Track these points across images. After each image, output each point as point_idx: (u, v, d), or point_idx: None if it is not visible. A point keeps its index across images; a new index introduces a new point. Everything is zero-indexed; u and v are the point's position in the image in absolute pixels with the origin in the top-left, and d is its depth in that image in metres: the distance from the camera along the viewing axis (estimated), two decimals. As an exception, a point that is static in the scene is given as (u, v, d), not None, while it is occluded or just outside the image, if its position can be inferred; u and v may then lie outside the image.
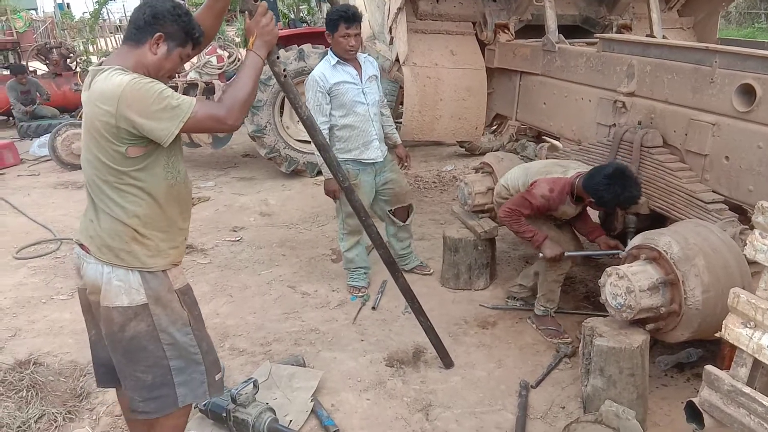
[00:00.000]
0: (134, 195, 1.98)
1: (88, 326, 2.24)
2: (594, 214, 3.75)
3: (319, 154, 3.58)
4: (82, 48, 11.99)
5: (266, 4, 2.16)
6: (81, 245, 2.09)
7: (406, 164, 4.20)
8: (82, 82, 8.48)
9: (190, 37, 2.02)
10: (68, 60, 9.03)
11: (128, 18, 2.18)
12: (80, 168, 7.46)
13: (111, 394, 3.01)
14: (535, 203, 3.16)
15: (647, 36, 4.22)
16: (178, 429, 2.27)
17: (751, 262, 2.17)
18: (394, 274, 3.04)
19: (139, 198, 1.99)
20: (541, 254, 3.18)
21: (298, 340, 3.49)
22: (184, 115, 1.88)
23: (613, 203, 2.98)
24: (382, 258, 3.02)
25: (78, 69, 9.16)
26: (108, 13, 17.92)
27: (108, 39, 14.91)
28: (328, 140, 2.76)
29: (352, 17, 3.49)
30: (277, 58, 2.28)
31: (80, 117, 8.20)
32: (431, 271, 4.24)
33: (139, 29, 1.97)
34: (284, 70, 2.33)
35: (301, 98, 2.53)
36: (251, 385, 2.70)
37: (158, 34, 1.95)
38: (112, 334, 2.06)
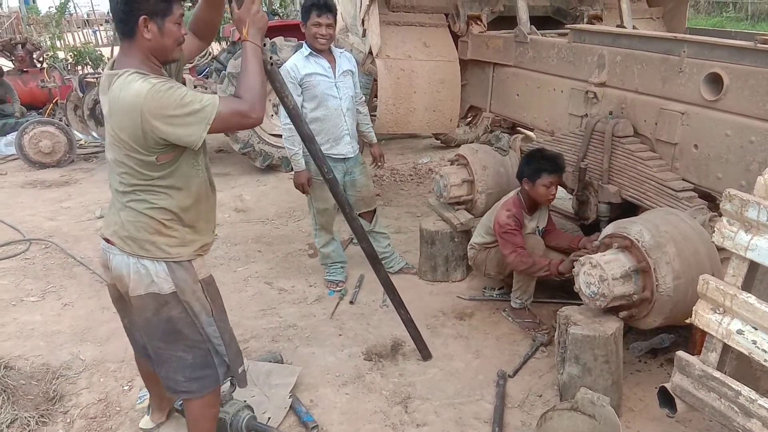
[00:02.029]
0: (162, 192, 2.02)
1: (121, 315, 2.35)
2: (567, 206, 3.79)
3: (288, 145, 3.60)
4: (48, 43, 11.67)
5: None
6: (106, 239, 2.13)
7: (380, 164, 4.21)
8: (49, 78, 8.31)
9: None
10: (34, 56, 8.80)
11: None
12: (48, 167, 7.20)
13: (85, 396, 2.98)
14: (512, 227, 3.29)
15: (617, 26, 4.26)
16: (209, 415, 2.35)
17: (720, 249, 2.21)
18: (375, 267, 3.03)
19: (167, 195, 2.03)
20: (559, 274, 3.17)
21: (275, 336, 3.47)
22: (210, 116, 1.88)
23: (537, 165, 3.25)
24: (364, 251, 3.01)
25: (45, 65, 8.91)
26: (75, 7, 17.46)
27: (76, 34, 14.57)
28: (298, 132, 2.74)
29: (324, 6, 3.47)
30: (265, 45, 2.23)
31: (49, 114, 7.96)
32: (415, 270, 4.18)
33: (123, 22, 1.94)
34: (271, 58, 2.27)
35: (287, 87, 2.51)
36: (228, 383, 2.67)
37: (141, 18, 1.90)
38: (146, 320, 2.12)
